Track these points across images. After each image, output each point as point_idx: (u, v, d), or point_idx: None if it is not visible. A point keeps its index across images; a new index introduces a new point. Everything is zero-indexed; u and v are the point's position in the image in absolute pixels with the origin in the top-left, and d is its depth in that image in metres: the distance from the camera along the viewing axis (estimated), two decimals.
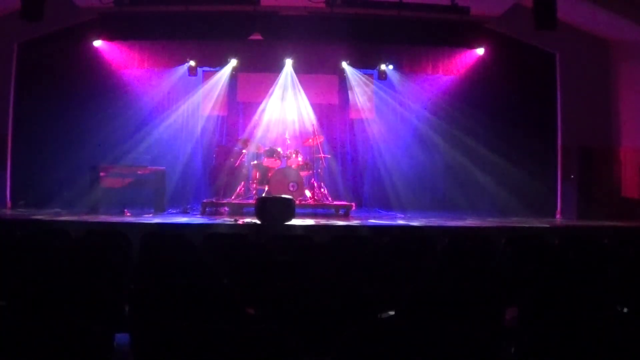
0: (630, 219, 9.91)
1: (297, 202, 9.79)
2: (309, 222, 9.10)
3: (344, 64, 12.02)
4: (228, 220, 9.28)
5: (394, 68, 12.01)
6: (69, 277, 4.09)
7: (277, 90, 12.15)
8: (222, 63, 11.75)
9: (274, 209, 8.73)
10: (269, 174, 10.83)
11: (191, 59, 11.52)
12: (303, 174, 11.00)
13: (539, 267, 4.63)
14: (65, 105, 11.17)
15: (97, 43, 10.98)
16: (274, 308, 3.32)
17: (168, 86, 11.83)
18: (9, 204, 10.96)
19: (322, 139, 11.67)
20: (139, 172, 10.49)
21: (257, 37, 10.65)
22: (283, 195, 9.43)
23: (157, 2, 10.13)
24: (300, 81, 12.17)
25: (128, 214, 9.74)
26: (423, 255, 5.14)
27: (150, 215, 9.85)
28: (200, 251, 5.29)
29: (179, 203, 10.99)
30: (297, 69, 11.98)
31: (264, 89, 12.16)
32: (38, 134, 11.21)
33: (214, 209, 10.59)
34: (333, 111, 12.66)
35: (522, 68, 11.65)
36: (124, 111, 11.41)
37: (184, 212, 10.37)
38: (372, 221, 9.72)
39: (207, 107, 12.19)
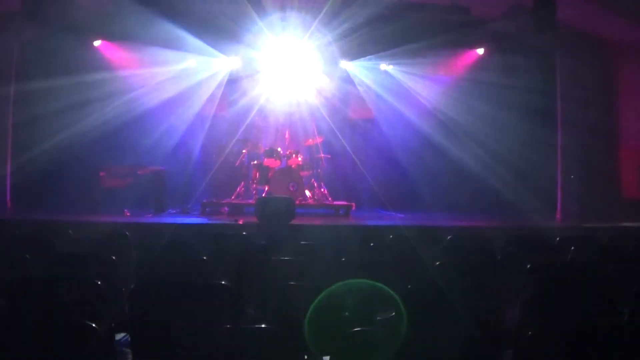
0: (630, 219, 9.91)
1: (297, 202, 9.80)
2: (309, 222, 9.09)
3: (344, 64, 12.01)
4: (228, 220, 9.28)
5: (394, 68, 12.01)
6: (69, 277, 4.10)
7: (276, 89, 12.14)
8: (223, 63, 11.73)
9: (274, 209, 8.73)
10: (269, 174, 10.83)
11: (191, 58, 11.52)
12: (303, 174, 11.00)
13: (539, 267, 4.63)
14: (65, 105, 11.15)
15: (97, 43, 10.98)
16: (274, 308, 3.32)
17: (168, 86, 11.80)
18: (9, 204, 10.95)
19: (322, 139, 11.67)
20: (139, 172, 10.47)
21: (257, 36, 10.65)
22: (283, 195, 9.43)
23: (157, 2, 10.14)
24: (300, 81, 12.17)
25: (128, 214, 9.73)
26: (423, 255, 5.13)
27: (150, 215, 9.85)
28: (199, 251, 5.29)
29: (179, 203, 10.97)
30: (297, 69, 11.97)
31: (264, 88, 12.15)
32: (38, 134, 11.19)
33: (214, 209, 10.60)
34: (333, 111, 12.66)
35: (522, 68, 11.64)
36: (124, 111, 11.39)
37: (184, 212, 10.37)
38: (372, 221, 9.72)
39: (208, 107, 12.18)
